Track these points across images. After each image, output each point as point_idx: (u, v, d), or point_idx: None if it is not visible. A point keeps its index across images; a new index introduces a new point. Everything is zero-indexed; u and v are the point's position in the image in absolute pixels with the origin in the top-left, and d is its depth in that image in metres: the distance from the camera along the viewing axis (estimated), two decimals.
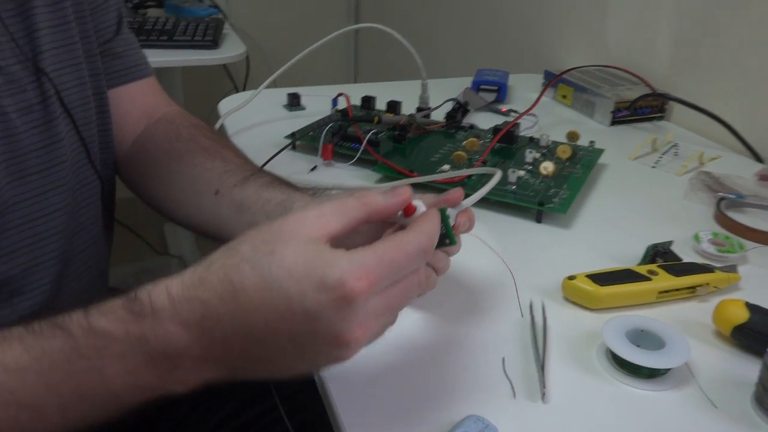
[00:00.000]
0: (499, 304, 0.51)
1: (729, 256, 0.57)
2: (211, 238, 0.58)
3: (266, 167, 0.69)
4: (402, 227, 0.40)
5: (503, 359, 0.45)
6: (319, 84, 0.99)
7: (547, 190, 0.66)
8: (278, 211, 0.51)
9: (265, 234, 0.33)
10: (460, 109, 0.87)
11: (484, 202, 0.62)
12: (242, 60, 1.38)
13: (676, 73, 0.93)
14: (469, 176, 0.66)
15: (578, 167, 0.71)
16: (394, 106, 0.84)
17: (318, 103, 0.90)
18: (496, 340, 0.47)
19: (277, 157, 0.72)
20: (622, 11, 1.03)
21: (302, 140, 0.76)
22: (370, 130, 0.74)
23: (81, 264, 0.55)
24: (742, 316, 0.46)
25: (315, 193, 0.52)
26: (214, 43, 1.32)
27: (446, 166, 0.69)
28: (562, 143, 0.76)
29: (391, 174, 0.69)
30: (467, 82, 1.00)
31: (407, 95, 0.88)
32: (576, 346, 0.47)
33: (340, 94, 0.83)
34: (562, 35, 1.18)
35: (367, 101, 0.87)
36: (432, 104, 0.88)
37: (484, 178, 0.63)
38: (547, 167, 0.69)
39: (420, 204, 0.39)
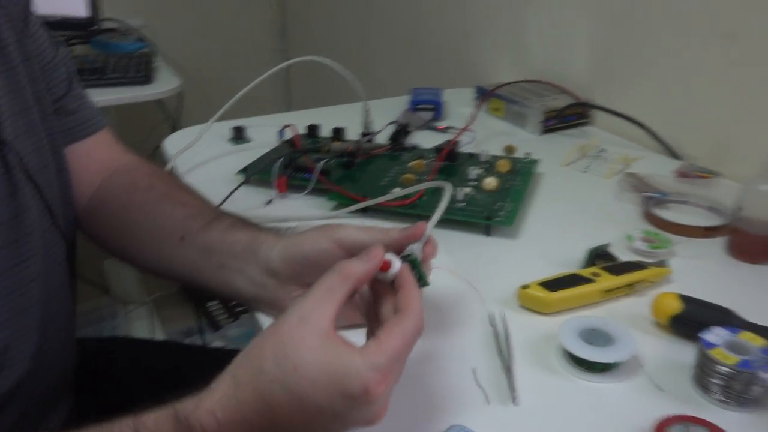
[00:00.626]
0: (463, 318, 0.55)
1: (659, 251, 0.64)
2: (179, 282, 0.60)
3: (223, 205, 0.71)
4: (378, 281, 0.43)
5: (474, 369, 0.49)
6: (253, 113, 1.00)
7: (493, 204, 0.70)
8: (246, 253, 0.53)
9: (283, 346, 0.37)
10: (401, 130, 0.91)
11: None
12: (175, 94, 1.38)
13: (597, 82, 1.00)
14: (421, 197, 0.70)
15: (518, 179, 0.77)
16: (339, 133, 0.88)
17: (262, 134, 0.92)
18: (465, 352, 0.51)
19: (231, 192, 0.74)
20: (541, 27, 1.10)
21: (255, 175, 0.78)
22: (321, 159, 0.77)
23: (56, 329, 0.54)
24: (677, 307, 0.52)
25: (280, 232, 0.55)
26: (147, 78, 1.32)
27: (397, 189, 0.73)
28: (501, 157, 0.82)
29: (345, 201, 0.72)
30: (402, 101, 1.04)
31: (347, 119, 0.91)
32: (537, 350, 0.51)
33: (286, 126, 0.85)
34: (488, 51, 1.24)
35: (313, 129, 0.90)
36: (373, 127, 0.92)
37: (435, 198, 0.67)
38: (490, 182, 0.74)
39: (393, 258, 0.43)
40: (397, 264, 0.43)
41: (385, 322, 0.42)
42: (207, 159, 0.87)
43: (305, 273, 0.50)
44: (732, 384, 0.45)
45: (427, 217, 0.48)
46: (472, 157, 0.83)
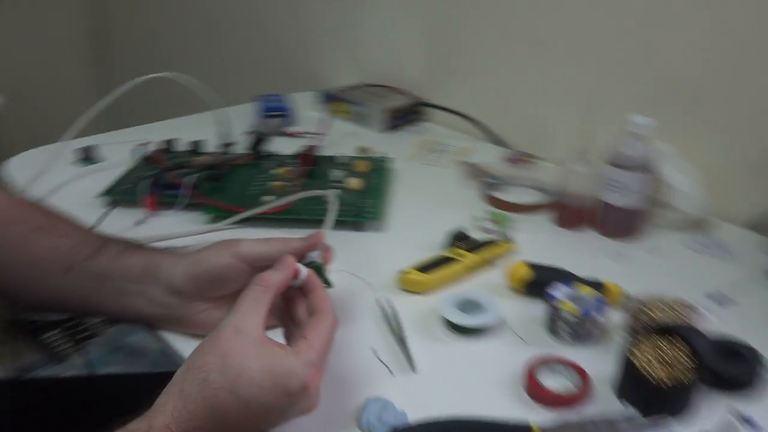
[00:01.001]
0: (356, 307, 0.62)
1: (503, 229, 0.75)
2: (65, 312, 0.59)
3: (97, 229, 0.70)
4: (288, 288, 0.49)
5: (374, 349, 0.56)
6: (86, 131, 0.95)
7: (359, 202, 0.78)
8: (145, 276, 0.54)
9: (225, 357, 0.41)
10: (258, 139, 0.95)
11: (308, 224, 0.72)
12: None
13: (431, 82, 1.12)
14: (295, 204, 0.75)
15: (376, 176, 0.85)
16: (198, 145, 0.89)
17: (112, 152, 0.90)
18: (363, 336, 0.58)
19: (98, 216, 0.73)
20: (376, 32, 1.19)
21: (121, 195, 0.77)
22: (187, 174, 0.78)
23: None
24: (527, 273, 0.63)
25: (175, 251, 0.57)
26: None
27: (270, 197, 0.77)
28: (357, 157, 0.89)
29: (220, 213, 0.74)
30: (246, 108, 1.07)
31: (197, 131, 0.91)
32: (423, 324, 0.59)
33: (144, 143, 0.85)
34: (326, 55, 1.31)
35: (170, 144, 0.90)
36: (230, 137, 0.94)
37: (307, 203, 0.72)
38: (353, 182, 0.81)
39: (300, 267, 0.49)
40: (304, 271, 0.49)
41: (301, 322, 0.48)
42: (58, 184, 0.82)
43: (210, 288, 0.54)
44: (577, 328, 0.57)
45: (305, 221, 0.54)
46: (332, 160, 0.89)
